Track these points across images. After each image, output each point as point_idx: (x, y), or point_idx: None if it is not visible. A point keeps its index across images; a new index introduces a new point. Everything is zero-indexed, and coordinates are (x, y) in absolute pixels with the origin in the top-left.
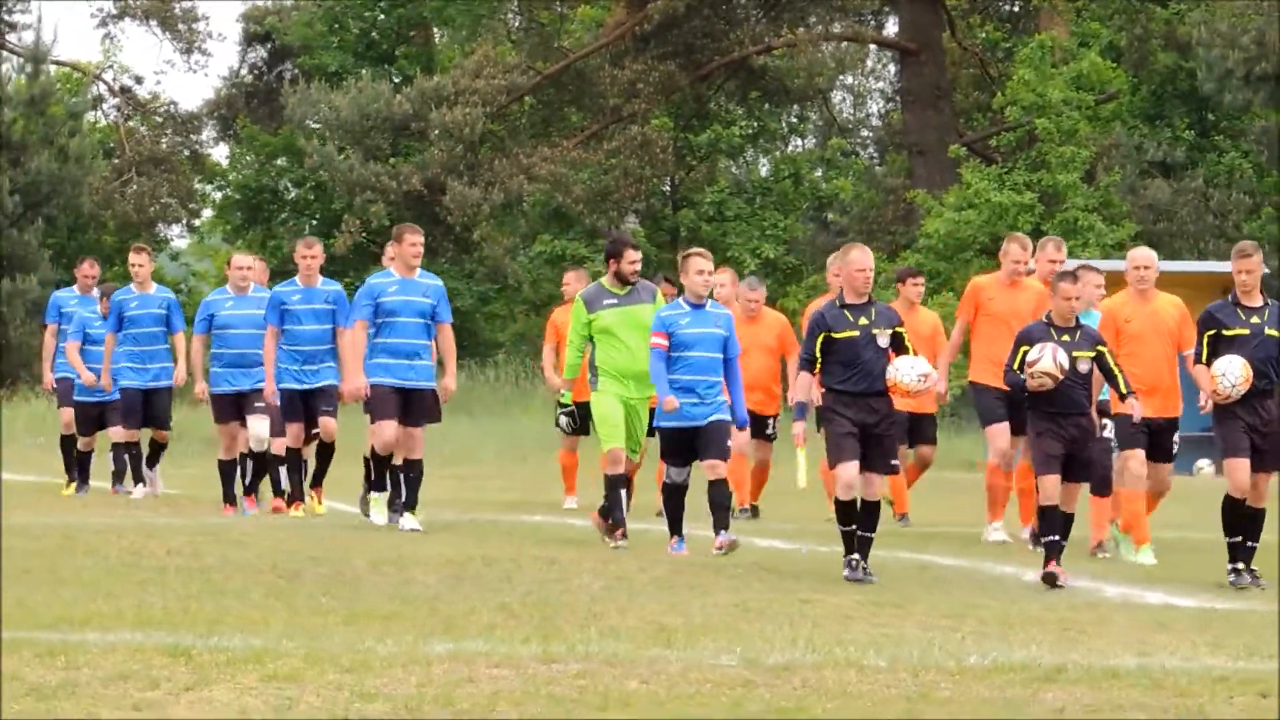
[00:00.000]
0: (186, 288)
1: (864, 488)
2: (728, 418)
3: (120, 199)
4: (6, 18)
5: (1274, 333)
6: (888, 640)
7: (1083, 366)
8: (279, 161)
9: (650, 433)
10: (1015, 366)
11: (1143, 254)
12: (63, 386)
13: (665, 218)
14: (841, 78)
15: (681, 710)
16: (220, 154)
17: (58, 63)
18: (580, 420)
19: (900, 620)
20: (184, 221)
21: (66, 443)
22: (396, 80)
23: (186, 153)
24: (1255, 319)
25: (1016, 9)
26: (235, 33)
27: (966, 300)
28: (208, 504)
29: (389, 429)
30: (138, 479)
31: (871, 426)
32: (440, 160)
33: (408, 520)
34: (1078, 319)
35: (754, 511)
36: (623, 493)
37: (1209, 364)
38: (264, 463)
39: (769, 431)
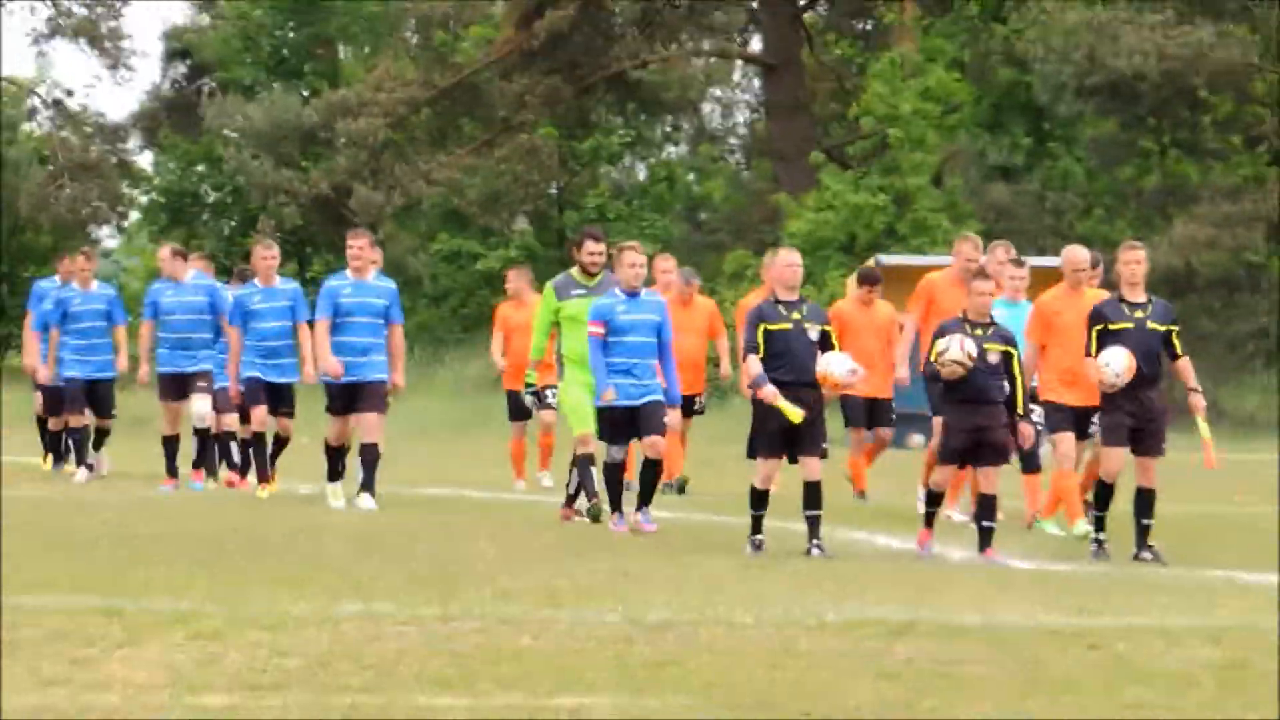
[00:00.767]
0: (117, 283)
1: (801, 471)
2: (662, 398)
3: (54, 203)
4: None
5: (1156, 327)
6: (755, 599)
7: (992, 358)
8: (199, 168)
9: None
10: (931, 359)
11: (1080, 254)
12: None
13: (552, 219)
14: (711, 90)
15: (569, 664)
16: (145, 161)
17: None
18: (540, 401)
19: (767, 582)
20: (113, 223)
21: (41, 423)
22: (305, 93)
23: (114, 160)
24: (1139, 313)
25: (869, 27)
26: (157, 49)
27: (919, 295)
28: (138, 480)
29: (338, 423)
30: (80, 461)
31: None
32: (346, 166)
33: (364, 501)
34: (992, 317)
35: (680, 488)
36: (591, 468)
37: (1097, 356)
38: (206, 440)
39: (696, 408)
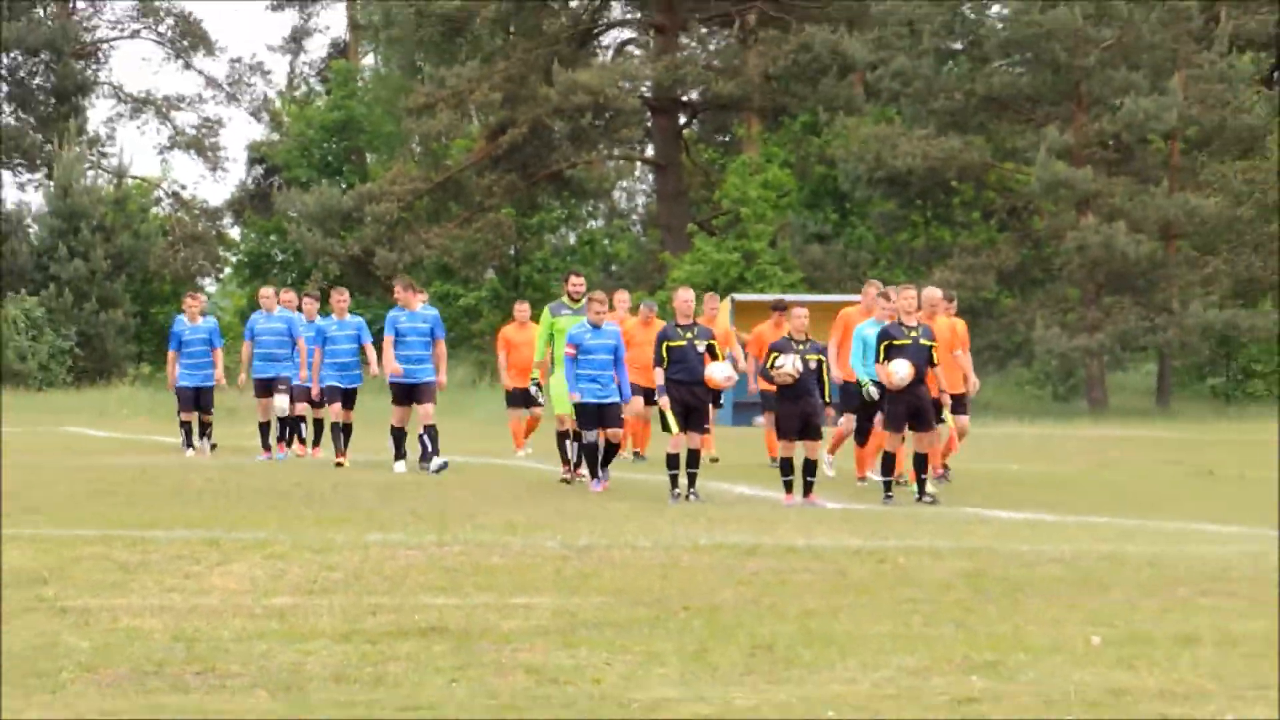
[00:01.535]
0: (215, 317)
1: (688, 441)
2: (619, 399)
3: (173, 262)
4: (101, 149)
5: (926, 343)
6: (650, 529)
7: (811, 365)
8: (271, 238)
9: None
10: (768, 367)
11: (936, 293)
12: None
13: (511, 271)
14: (619, 182)
15: (523, 575)
16: (235, 233)
17: (133, 177)
18: (541, 392)
19: (660, 518)
20: (213, 276)
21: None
22: (344, 186)
23: (214, 233)
24: (914, 333)
25: (728, 139)
26: (243, 157)
27: (837, 324)
28: (226, 451)
29: (399, 411)
30: (189, 445)
31: (691, 403)
32: (371, 236)
33: (434, 462)
34: (807, 334)
35: (638, 456)
36: (568, 443)
37: (886, 364)
38: (285, 424)
39: (655, 398)
